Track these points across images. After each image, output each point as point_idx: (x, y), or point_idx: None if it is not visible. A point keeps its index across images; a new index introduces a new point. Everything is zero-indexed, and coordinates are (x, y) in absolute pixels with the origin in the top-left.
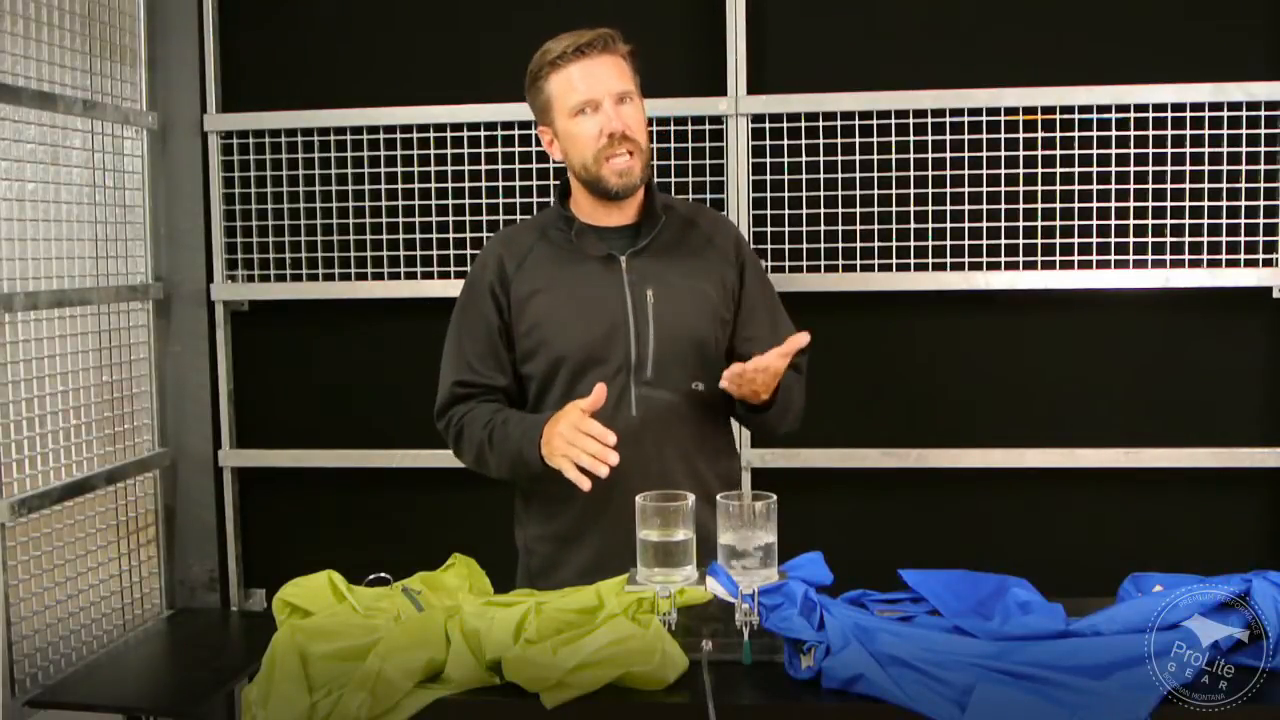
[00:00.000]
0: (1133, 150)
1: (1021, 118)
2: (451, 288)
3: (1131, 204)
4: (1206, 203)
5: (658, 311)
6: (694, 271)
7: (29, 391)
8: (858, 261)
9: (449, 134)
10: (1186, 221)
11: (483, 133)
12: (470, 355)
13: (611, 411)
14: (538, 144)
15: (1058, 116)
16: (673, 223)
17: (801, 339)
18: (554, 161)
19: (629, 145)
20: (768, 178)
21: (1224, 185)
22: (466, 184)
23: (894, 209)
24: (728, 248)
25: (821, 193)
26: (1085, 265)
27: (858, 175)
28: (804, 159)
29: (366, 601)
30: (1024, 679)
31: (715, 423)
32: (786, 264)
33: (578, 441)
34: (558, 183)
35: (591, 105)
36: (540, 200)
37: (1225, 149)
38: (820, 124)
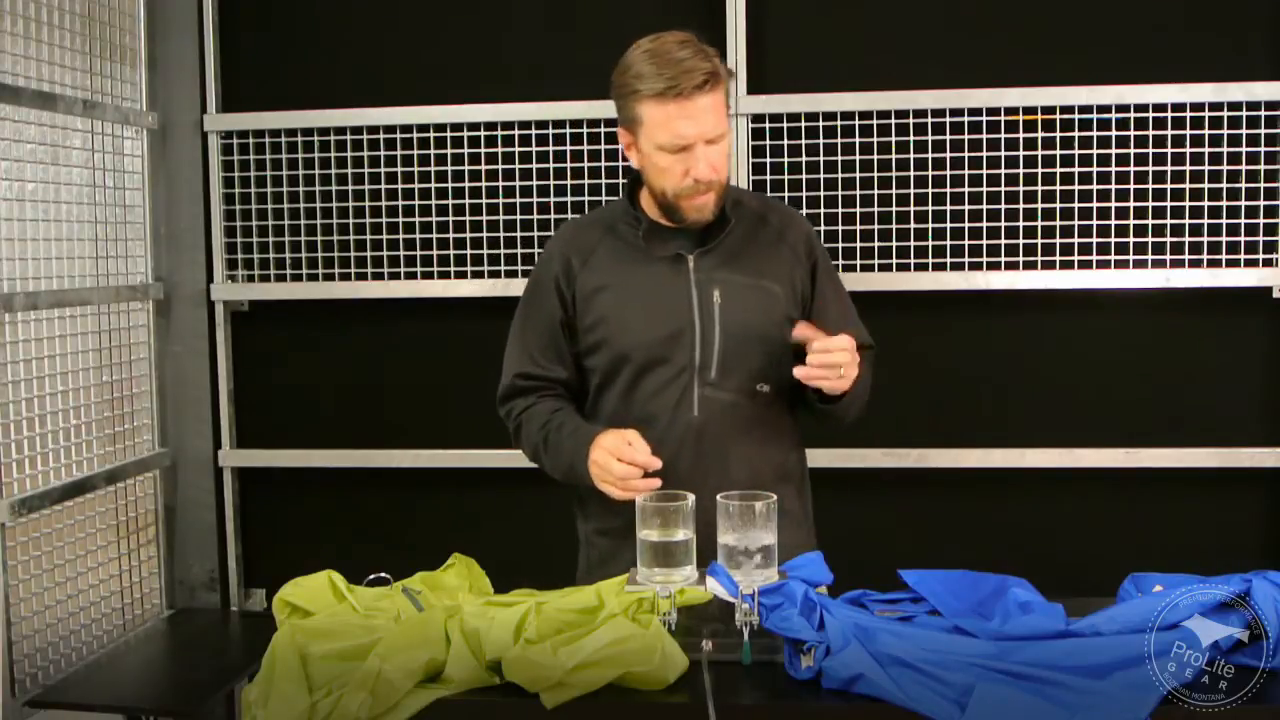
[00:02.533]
0: (1133, 150)
1: (1021, 118)
2: (452, 288)
3: (1131, 204)
4: (1206, 203)
5: (724, 312)
6: (763, 270)
7: (29, 391)
8: (858, 261)
9: (449, 134)
10: (1186, 221)
11: (483, 133)
12: (533, 348)
13: (673, 412)
14: (538, 144)
15: (1058, 116)
16: (743, 220)
17: (850, 341)
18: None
19: (709, 185)
20: (768, 178)
21: (1224, 185)
22: (466, 184)
23: (894, 209)
24: (799, 246)
25: (821, 193)
26: (1085, 265)
27: (858, 175)
28: (804, 159)
29: (366, 601)
30: (1024, 679)
31: (779, 422)
32: None
33: (612, 469)
34: (625, 180)
35: (684, 146)
36: (540, 200)
37: (1225, 149)
38: (820, 124)
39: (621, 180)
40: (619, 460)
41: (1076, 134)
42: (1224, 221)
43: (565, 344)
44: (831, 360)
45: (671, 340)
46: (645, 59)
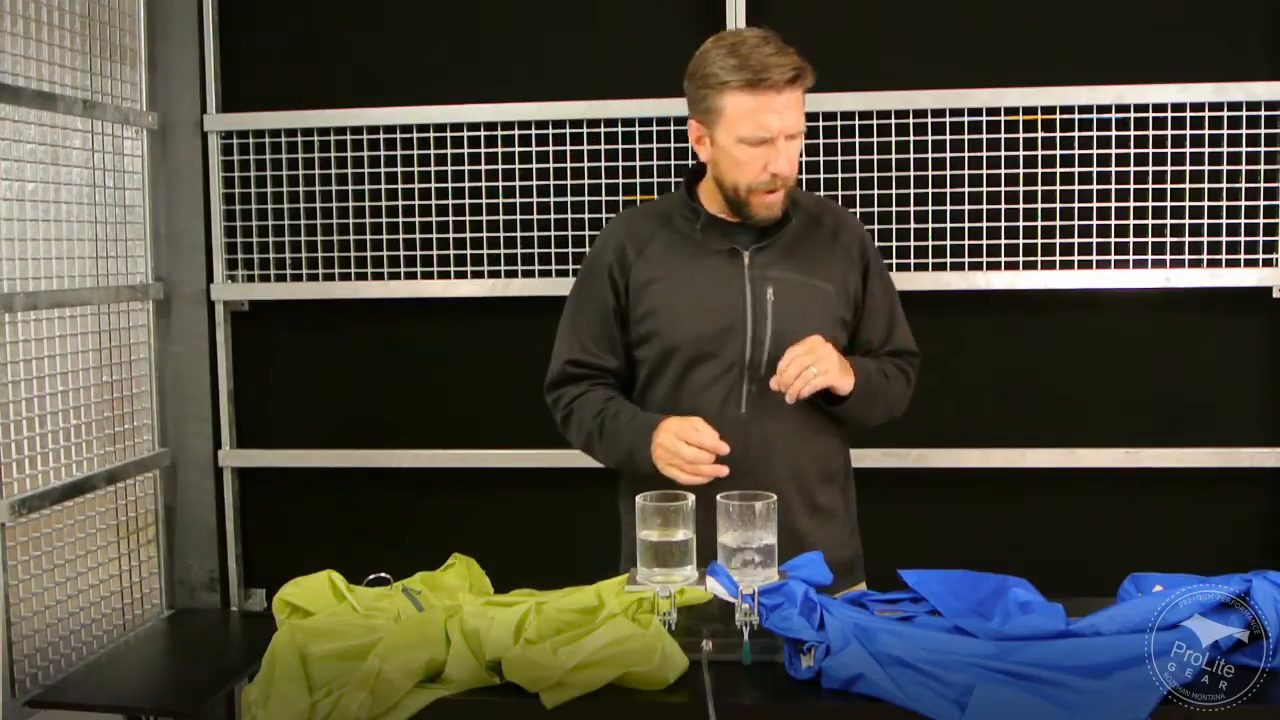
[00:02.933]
0: (1133, 150)
1: (1021, 118)
2: (452, 288)
3: (1131, 204)
4: (1206, 203)
5: (777, 311)
6: (816, 270)
7: (29, 391)
8: None
9: (449, 134)
10: (1186, 221)
11: (483, 133)
12: (585, 335)
13: (720, 407)
14: (538, 144)
15: (1058, 116)
16: (798, 219)
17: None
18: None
19: (783, 181)
20: None
21: (1224, 185)
22: (466, 184)
23: (894, 209)
24: (852, 248)
25: (821, 193)
26: (1085, 265)
27: (857, 175)
28: (804, 159)
29: (366, 601)
30: (1024, 679)
31: (825, 421)
32: None
33: (681, 452)
34: (684, 177)
35: (766, 139)
36: (540, 200)
37: (1225, 149)
38: (820, 124)
39: (622, 180)
40: (688, 444)
41: (1076, 134)
42: (1224, 221)
43: (617, 333)
44: (785, 378)
45: (722, 335)
46: (729, 52)
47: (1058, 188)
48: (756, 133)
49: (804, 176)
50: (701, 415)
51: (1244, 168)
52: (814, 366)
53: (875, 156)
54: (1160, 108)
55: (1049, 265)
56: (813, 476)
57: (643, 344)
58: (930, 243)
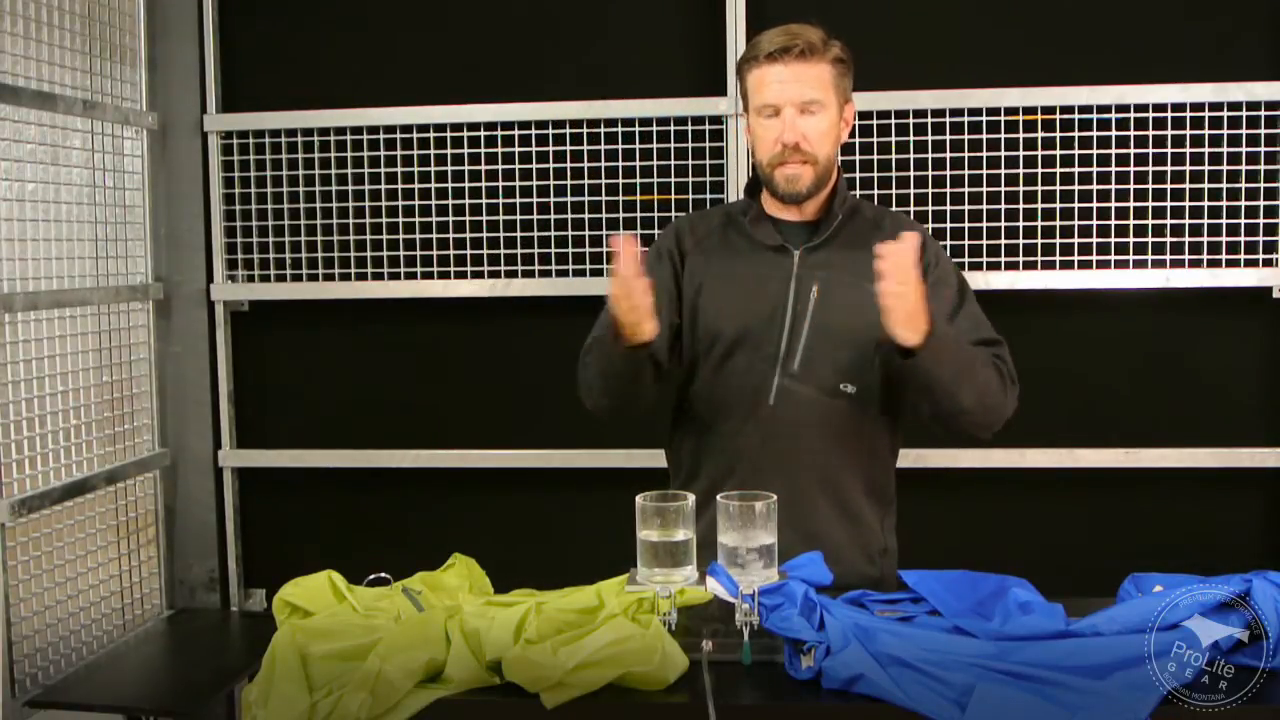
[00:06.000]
0: (1133, 150)
1: (1021, 118)
2: (452, 288)
3: (1131, 204)
4: (1206, 203)
5: (819, 306)
6: (865, 271)
7: (29, 391)
8: None
9: (449, 134)
10: (1186, 221)
11: (483, 133)
12: None
13: (750, 398)
14: (538, 144)
15: (1058, 116)
16: (856, 224)
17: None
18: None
19: (802, 156)
20: None
21: (1224, 185)
22: (466, 184)
23: (894, 209)
24: None
25: None
26: (1085, 265)
27: (858, 175)
28: None
29: (366, 601)
30: (1024, 679)
31: (863, 430)
32: None
33: (614, 293)
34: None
35: (774, 110)
36: (540, 200)
37: (1225, 149)
38: None
39: (622, 180)
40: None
41: (1076, 134)
42: (1224, 221)
43: (666, 305)
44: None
45: (760, 326)
46: (764, 35)
47: (1058, 188)
48: (763, 103)
49: None
50: (733, 403)
51: (1244, 168)
52: (902, 282)
53: (875, 156)
54: (1160, 108)
55: (1049, 265)
56: (844, 478)
57: (690, 329)
58: None
